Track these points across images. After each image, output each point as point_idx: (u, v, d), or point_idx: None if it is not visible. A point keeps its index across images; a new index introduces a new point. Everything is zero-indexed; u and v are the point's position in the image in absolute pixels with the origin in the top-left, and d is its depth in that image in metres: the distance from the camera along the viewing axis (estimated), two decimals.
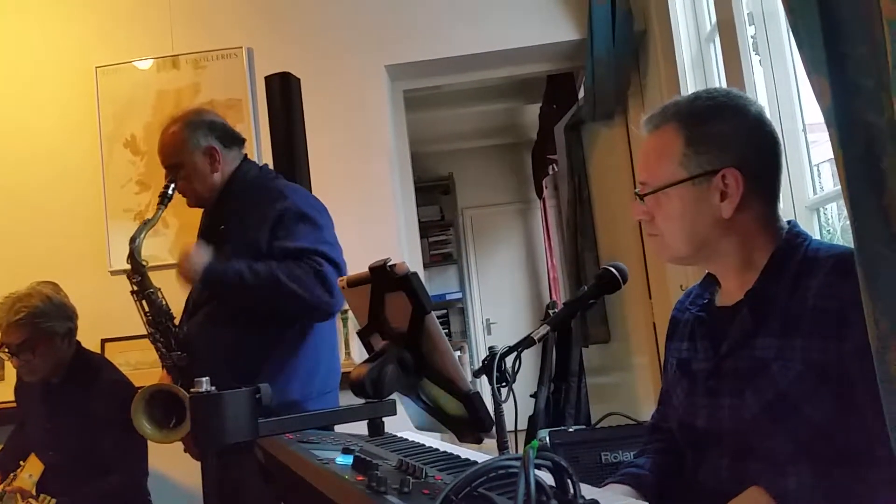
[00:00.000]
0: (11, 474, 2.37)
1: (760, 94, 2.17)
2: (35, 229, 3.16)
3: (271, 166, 2.54)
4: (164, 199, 1.96)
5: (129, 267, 1.97)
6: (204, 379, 0.78)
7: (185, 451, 2.04)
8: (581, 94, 3.59)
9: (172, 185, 1.96)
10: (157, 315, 1.97)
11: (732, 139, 1.15)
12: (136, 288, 1.97)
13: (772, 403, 1.07)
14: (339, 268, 1.86)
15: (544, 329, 1.35)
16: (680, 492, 1.23)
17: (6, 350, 2.31)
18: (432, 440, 1.23)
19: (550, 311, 1.50)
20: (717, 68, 2.62)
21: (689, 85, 2.74)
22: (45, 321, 2.30)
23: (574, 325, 3.47)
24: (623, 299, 3.40)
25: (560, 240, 4.61)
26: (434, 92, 3.78)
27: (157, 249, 2.88)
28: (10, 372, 2.91)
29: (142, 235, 1.96)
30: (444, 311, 6.80)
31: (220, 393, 0.81)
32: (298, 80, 2.62)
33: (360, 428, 1.33)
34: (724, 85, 2.41)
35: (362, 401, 0.98)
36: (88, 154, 3.16)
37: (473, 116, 6.03)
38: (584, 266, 3.56)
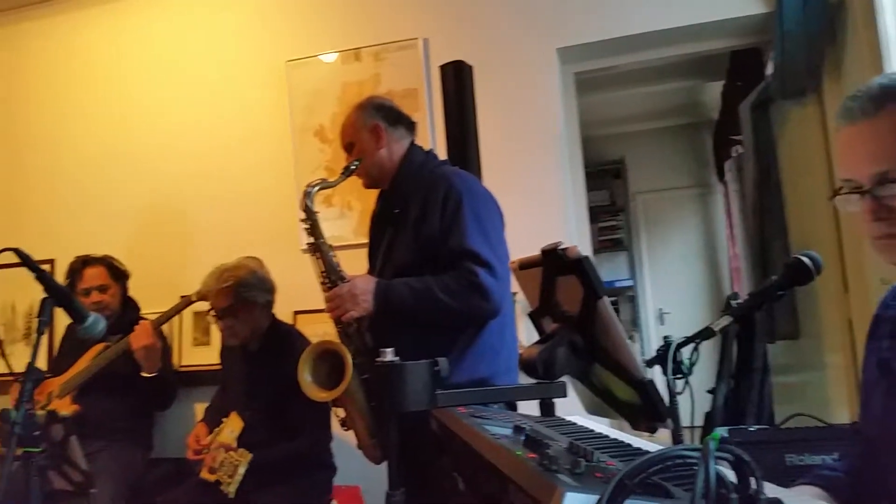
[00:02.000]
0: (216, 429, 2.66)
1: None
2: (236, 211, 3.49)
3: (444, 152, 2.63)
4: (346, 171, 2.12)
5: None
6: (388, 349, 0.83)
7: (359, 447, 2.10)
8: (769, 71, 3.34)
9: (356, 162, 2.12)
10: (329, 271, 2.06)
11: None
12: (311, 239, 2.10)
13: None
14: (492, 269, 1.88)
15: (726, 320, 1.29)
16: (874, 501, 1.13)
17: (213, 314, 2.62)
18: (602, 427, 1.22)
19: (732, 303, 1.41)
20: None
21: (894, 59, 2.45)
22: (247, 291, 2.58)
23: (758, 318, 3.25)
24: (815, 292, 3.14)
25: (743, 227, 4.33)
26: (607, 73, 3.68)
27: (343, 230, 3.07)
28: (215, 338, 3.26)
29: (317, 188, 2.13)
30: (614, 299, 6.64)
31: (403, 363, 0.86)
32: (471, 67, 2.67)
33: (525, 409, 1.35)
34: None
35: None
36: (281, 142, 3.43)
37: (649, 97, 5.80)
38: (770, 255, 3.32)
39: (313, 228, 2.10)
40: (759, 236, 3.40)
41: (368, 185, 2.21)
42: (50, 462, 1.87)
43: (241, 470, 2.22)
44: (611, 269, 6.70)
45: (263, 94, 3.50)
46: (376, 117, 2.15)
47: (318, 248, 2.08)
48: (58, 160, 3.79)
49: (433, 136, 3.14)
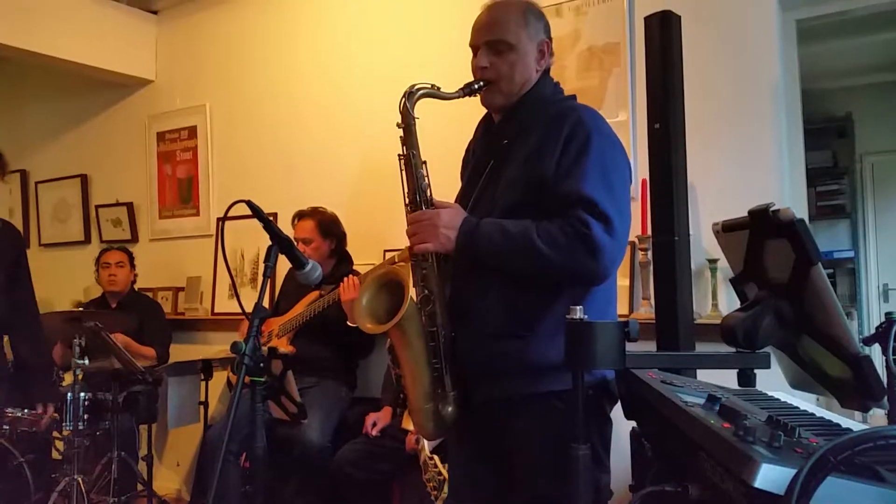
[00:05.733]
0: None
1: None
2: (436, 176, 3.61)
3: (644, 109, 2.53)
4: (468, 88, 1.77)
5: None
6: (578, 307, 0.83)
7: (409, 411, 1.94)
8: None
9: (483, 83, 1.76)
10: (415, 190, 1.76)
11: None
12: (403, 150, 1.77)
13: None
14: (609, 224, 1.54)
15: None
16: None
17: None
18: (807, 405, 1.14)
19: None
20: None
21: None
22: None
23: None
24: None
25: None
26: (834, 20, 3.29)
27: None
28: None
29: (422, 91, 1.76)
30: (831, 271, 6.05)
31: (592, 321, 0.86)
32: (679, 17, 2.53)
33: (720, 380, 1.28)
34: None
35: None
36: (483, 110, 3.47)
37: (883, 45, 5.12)
38: None
39: (407, 135, 1.76)
40: None
41: (492, 105, 1.82)
42: (269, 393, 2.11)
43: (447, 487, 2.39)
44: (829, 238, 6.09)
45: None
46: (546, 34, 1.80)
47: (408, 160, 1.76)
48: (281, 123, 4.15)
49: (633, 93, 3.03)
